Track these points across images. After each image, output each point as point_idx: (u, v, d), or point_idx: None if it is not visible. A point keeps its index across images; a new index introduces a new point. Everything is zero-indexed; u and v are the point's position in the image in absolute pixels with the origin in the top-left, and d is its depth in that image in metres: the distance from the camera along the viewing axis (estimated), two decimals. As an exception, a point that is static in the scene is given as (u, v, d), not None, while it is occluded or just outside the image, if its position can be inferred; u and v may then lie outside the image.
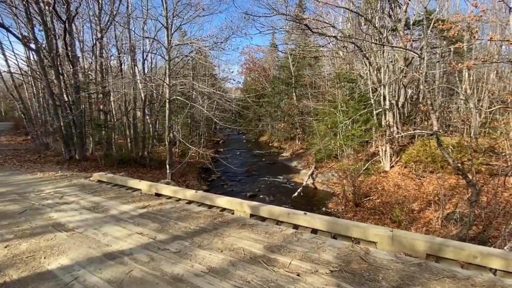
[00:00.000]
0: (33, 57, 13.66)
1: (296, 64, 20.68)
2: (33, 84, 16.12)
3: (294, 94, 20.94)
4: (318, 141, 13.25)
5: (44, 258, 2.58)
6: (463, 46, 10.21)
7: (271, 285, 2.12)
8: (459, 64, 6.41)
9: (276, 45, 26.43)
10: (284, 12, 9.93)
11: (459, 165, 7.10)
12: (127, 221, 3.48)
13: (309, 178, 12.30)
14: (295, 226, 3.36)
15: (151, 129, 14.88)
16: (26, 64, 15.07)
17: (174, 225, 3.36)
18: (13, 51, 19.93)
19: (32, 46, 10.97)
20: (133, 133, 13.84)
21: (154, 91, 13.75)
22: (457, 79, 11.83)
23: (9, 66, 14.42)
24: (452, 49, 11.28)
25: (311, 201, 10.36)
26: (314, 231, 3.24)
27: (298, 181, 12.79)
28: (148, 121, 14.83)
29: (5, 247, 2.82)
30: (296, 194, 10.71)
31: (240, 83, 34.41)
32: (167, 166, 9.73)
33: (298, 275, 2.26)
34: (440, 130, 9.52)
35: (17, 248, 2.79)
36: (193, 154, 14.91)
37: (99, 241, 2.91)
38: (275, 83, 23.36)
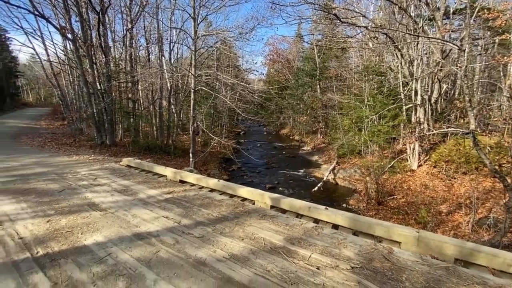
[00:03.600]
0: (70, 47, 14.51)
1: (322, 56, 20.07)
2: (69, 73, 17.21)
3: (318, 86, 20.43)
4: (342, 136, 12.91)
5: (81, 234, 2.81)
6: (510, 38, 9.28)
7: (291, 276, 2.15)
8: (505, 58, 5.85)
9: (302, 36, 25.80)
10: (312, 1, 9.59)
11: (497, 167, 6.59)
12: (154, 205, 3.68)
13: (330, 173, 12.09)
14: (316, 221, 3.35)
15: (175, 118, 15.36)
16: (63, 53, 16.09)
17: (198, 211, 3.49)
18: (52, 41, 21.27)
19: (69, 36, 11.66)
20: (159, 122, 14.37)
21: (180, 81, 14.08)
22: (501, 74, 10.83)
23: (48, 55, 15.44)
24: (497, 40, 10.30)
25: (331, 196, 10.21)
26: (335, 226, 3.21)
27: (318, 176, 12.62)
28: (173, 110, 15.30)
29: (47, 221, 3.11)
30: (316, 188, 10.60)
31: (263, 74, 34.18)
32: (191, 155, 10.03)
33: (318, 268, 2.27)
34: (478, 129, 8.85)
35: (58, 223, 3.06)
36: (215, 144, 15.21)
37: (129, 222, 3.11)
38: (298, 75, 22.91)
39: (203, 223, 3.12)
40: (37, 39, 15.10)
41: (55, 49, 16.61)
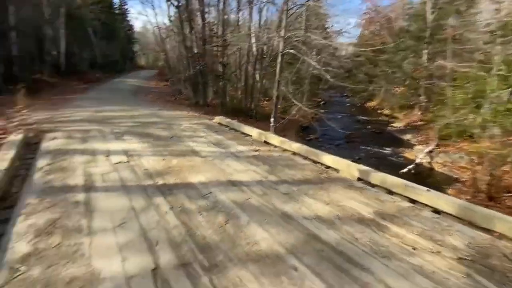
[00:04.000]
0: (173, 13, 16.15)
1: (437, 12, 16.12)
2: (173, 38, 19.42)
3: (425, 51, 16.88)
4: (450, 113, 10.65)
5: (188, 173, 3.35)
6: None
7: (382, 249, 2.03)
8: None
9: (412, -13, 21.15)
10: None
11: None
12: (243, 159, 4.02)
13: (426, 155, 10.44)
14: (411, 201, 2.99)
15: (259, 83, 15.71)
16: (168, 18, 18.08)
17: (282, 170, 3.62)
18: (160, 8, 24.08)
19: (174, 2, 12.90)
20: (244, 86, 15.03)
21: (266, 45, 14.03)
22: None
23: (157, 21, 17.68)
24: None
25: (424, 182, 8.71)
26: (436, 211, 2.80)
27: (409, 157, 11.12)
28: (257, 76, 15.61)
29: (163, 160, 3.83)
30: (405, 170, 9.41)
31: (355, 37, 30.39)
32: (272, 119, 10.27)
33: (414, 249, 2.07)
34: None
35: (170, 162, 3.73)
36: (294, 112, 15.05)
37: (224, 170, 3.52)
38: (400, 37, 19.35)
39: (287, 182, 3.23)
40: (148, 7, 17.44)
41: (162, 16, 18.83)
